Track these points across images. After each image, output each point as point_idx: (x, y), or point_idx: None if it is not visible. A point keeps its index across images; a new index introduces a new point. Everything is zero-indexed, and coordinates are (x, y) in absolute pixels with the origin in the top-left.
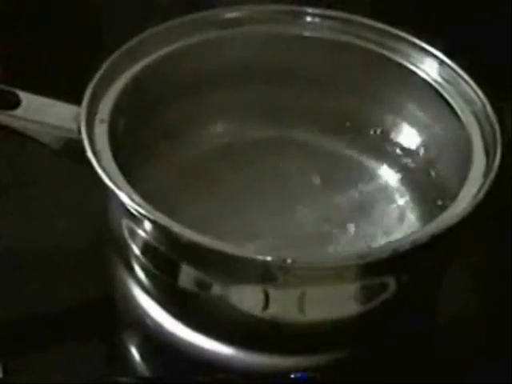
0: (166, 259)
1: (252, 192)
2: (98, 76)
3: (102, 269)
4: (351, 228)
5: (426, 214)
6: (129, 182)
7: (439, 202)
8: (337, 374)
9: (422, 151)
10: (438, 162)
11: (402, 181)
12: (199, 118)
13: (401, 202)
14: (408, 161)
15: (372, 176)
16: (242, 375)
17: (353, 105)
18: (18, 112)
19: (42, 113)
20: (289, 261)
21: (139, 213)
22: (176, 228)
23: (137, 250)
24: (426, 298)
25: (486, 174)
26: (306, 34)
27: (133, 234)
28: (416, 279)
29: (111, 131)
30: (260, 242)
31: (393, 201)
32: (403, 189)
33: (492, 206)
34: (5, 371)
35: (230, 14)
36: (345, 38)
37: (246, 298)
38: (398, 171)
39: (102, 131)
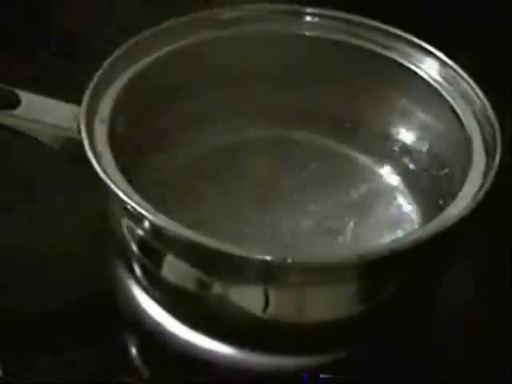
0: (166, 259)
1: (252, 192)
2: (98, 76)
3: (102, 269)
4: (351, 228)
5: (426, 214)
6: (129, 181)
7: (439, 202)
8: (337, 373)
9: (422, 151)
10: (438, 161)
11: (402, 180)
12: (199, 118)
13: (401, 201)
14: (408, 160)
15: (372, 176)
16: (242, 375)
17: (353, 105)
18: (18, 112)
19: (42, 113)
20: (289, 260)
21: (139, 213)
22: (176, 228)
23: (137, 250)
24: (425, 298)
25: (486, 174)
26: (306, 33)
27: (133, 233)
28: (416, 279)
29: (111, 131)
30: (260, 242)
31: (393, 200)
32: (403, 188)
33: (492, 205)
34: (5, 371)
35: (230, 14)
36: (345, 37)
37: (246, 298)
38: (398, 171)
39: (101, 131)
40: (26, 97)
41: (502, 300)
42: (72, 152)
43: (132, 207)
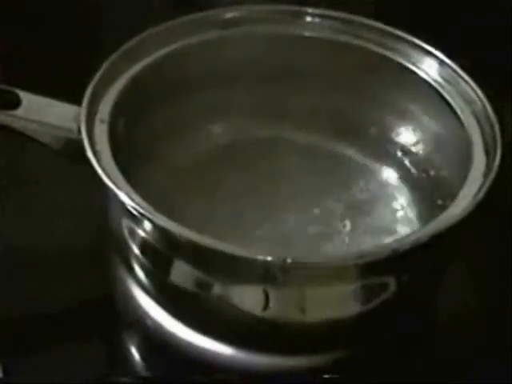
0: (166, 259)
1: (252, 192)
2: (98, 76)
3: (102, 269)
4: (351, 228)
5: (425, 214)
6: (129, 181)
7: (439, 202)
8: (337, 374)
9: (421, 151)
10: (438, 161)
11: (402, 181)
12: (199, 118)
13: (401, 201)
14: (408, 161)
15: (372, 176)
16: (242, 375)
17: (353, 105)
18: (18, 112)
19: (42, 113)
20: (289, 261)
21: (139, 213)
22: (176, 228)
23: (137, 250)
24: (425, 298)
25: (485, 174)
26: (306, 34)
27: (133, 233)
28: (416, 279)
29: (111, 131)
30: (260, 242)
31: (392, 201)
32: (403, 189)
33: (492, 206)
34: (5, 371)
35: (230, 14)
36: (345, 38)
37: (246, 298)
38: (398, 171)
39: (101, 131)
40: (26, 97)
41: (502, 300)
42: (72, 152)
43: (132, 207)
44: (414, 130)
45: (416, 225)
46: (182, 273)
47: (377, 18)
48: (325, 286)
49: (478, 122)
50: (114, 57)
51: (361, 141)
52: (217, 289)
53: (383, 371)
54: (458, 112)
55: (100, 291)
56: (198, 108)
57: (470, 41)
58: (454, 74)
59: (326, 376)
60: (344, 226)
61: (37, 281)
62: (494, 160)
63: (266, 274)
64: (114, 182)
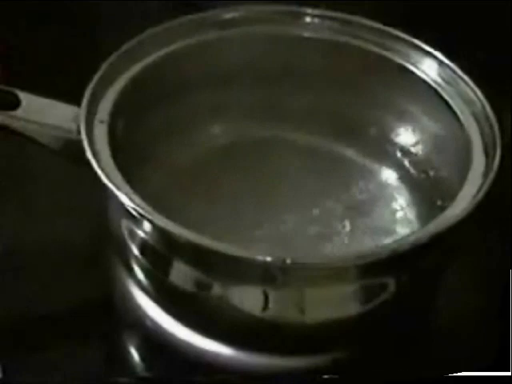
0: (165, 260)
1: (251, 192)
2: (97, 76)
3: (102, 269)
4: (350, 229)
5: (425, 215)
6: (128, 182)
7: (439, 203)
8: (336, 374)
9: (421, 152)
10: (438, 162)
11: (402, 181)
12: (199, 118)
13: (400, 202)
14: (407, 161)
15: (371, 176)
16: (242, 375)
17: (352, 105)
18: (18, 112)
19: (42, 113)
20: (288, 261)
21: (138, 213)
22: (175, 229)
23: (136, 251)
24: (425, 298)
25: (485, 175)
26: (306, 34)
27: (132, 234)
28: (416, 279)
29: (111, 132)
30: (259, 243)
31: (392, 201)
32: (402, 189)
33: (491, 206)
34: (5, 371)
35: (230, 15)
36: (344, 38)
37: (246, 299)
38: (398, 171)
39: (101, 132)
40: (25, 97)
41: (502, 300)
42: (72, 152)
43: (131, 208)
44: (414, 131)
45: (415, 225)
46: (181, 273)
47: (376, 19)
48: (324, 286)
49: (478, 122)
50: (113, 57)
51: (360, 141)
52: (216, 289)
53: (383, 371)
54: (458, 112)
55: (100, 291)
56: (197, 108)
57: (469, 41)
58: (453, 75)
59: (326, 376)
60: (343, 227)
61: (37, 281)
62: (493, 160)
63: (265, 275)
64: (113, 183)
